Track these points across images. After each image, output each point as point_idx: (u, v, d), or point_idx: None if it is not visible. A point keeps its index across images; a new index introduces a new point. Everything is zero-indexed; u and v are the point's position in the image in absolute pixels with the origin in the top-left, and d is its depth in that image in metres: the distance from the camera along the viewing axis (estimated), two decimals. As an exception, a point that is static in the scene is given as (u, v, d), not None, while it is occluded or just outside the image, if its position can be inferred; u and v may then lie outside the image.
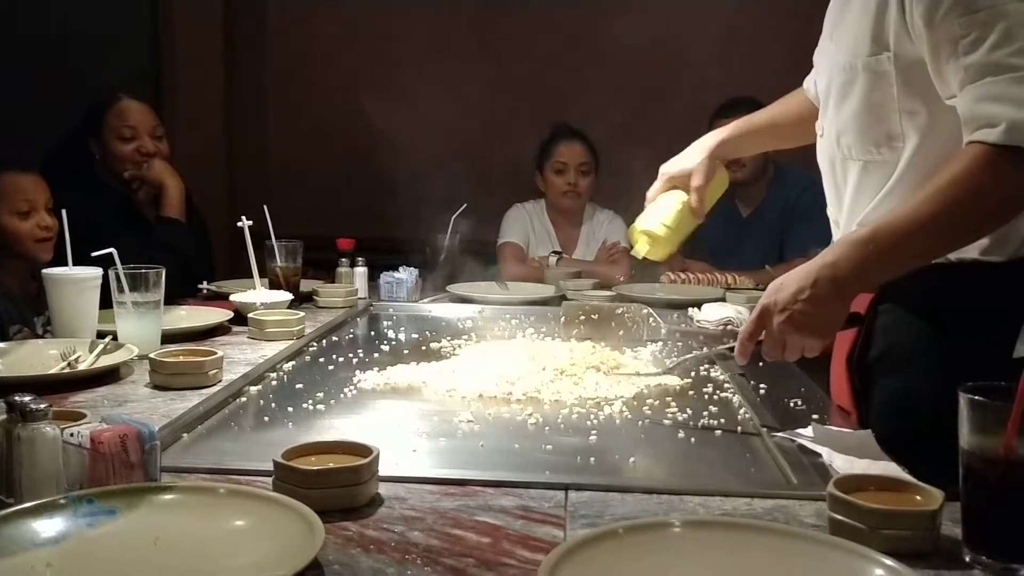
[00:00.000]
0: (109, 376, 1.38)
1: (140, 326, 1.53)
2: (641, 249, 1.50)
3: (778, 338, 1.17)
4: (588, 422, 1.24)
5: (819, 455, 1.07)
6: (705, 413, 1.28)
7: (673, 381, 1.44)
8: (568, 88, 3.50)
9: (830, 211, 1.36)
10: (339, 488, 0.87)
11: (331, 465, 0.90)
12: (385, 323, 2.03)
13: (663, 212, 1.49)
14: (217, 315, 1.81)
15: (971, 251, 1.17)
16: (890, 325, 1.25)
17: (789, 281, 1.16)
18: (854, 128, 1.23)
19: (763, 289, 2.35)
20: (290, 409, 1.28)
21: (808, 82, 1.47)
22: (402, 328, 1.92)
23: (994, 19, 1.05)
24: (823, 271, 1.13)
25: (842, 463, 1.04)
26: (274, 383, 1.43)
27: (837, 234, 1.33)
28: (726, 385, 1.44)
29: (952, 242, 1.14)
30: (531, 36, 3.59)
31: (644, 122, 3.46)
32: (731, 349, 1.26)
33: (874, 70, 1.18)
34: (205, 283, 2.23)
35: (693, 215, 1.50)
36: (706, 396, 1.38)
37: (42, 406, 0.87)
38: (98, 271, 1.57)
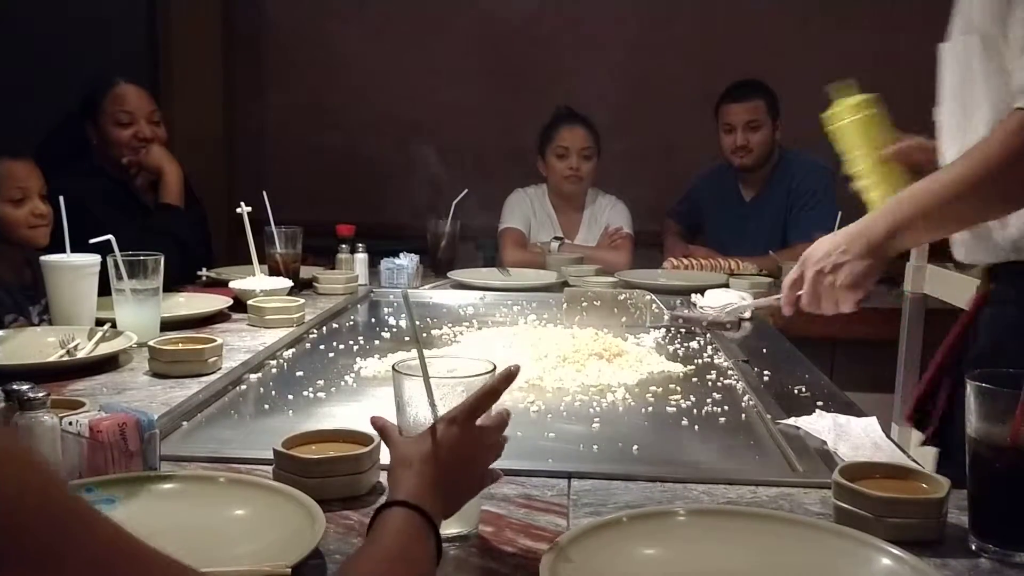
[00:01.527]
0: (108, 364, 1.37)
1: (139, 313, 1.52)
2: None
3: (814, 289, 1.23)
4: (591, 410, 1.23)
5: (824, 442, 1.06)
6: (709, 400, 1.27)
7: (676, 368, 1.43)
8: (569, 71, 3.47)
9: None
10: (340, 477, 0.87)
11: (332, 454, 0.89)
12: (385, 310, 2.02)
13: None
14: (216, 302, 1.80)
15: None
16: (994, 322, 1.24)
17: (829, 238, 1.24)
18: (950, 105, 1.22)
19: (766, 275, 2.35)
20: (290, 397, 1.27)
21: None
22: (403, 315, 1.91)
23: None
24: (859, 228, 1.21)
25: (847, 450, 1.03)
26: (274, 370, 1.42)
27: None
28: (730, 372, 1.43)
29: (983, 208, 1.15)
30: (531, 19, 3.56)
31: (645, 106, 3.44)
32: (776, 301, 1.33)
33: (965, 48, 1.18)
34: (204, 270, 2.22)
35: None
36: (710, 383, 1.37)
37: (40, 394, 0.86)
38: (96, 258, 1.56)
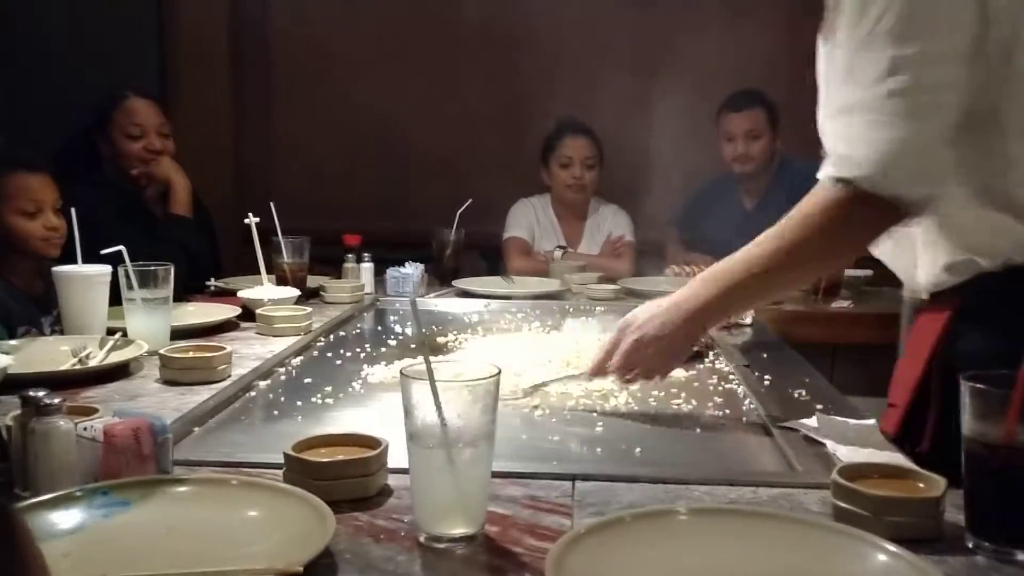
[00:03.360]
0: (120, 372, 1.39)
1: (149, 322, 1.55)
2: None
3: (627, 356, 1.23)
4: (594, 413, 1.25)
5: (823, 444, 1.08)
6: (710, 404, 1.28)
7: (678, 372, 1.45)
8: (573, 81, 3.50)
9: None
10: (349, 479, 0.89)
11: (341, 457, 0.91)
12: (391, 318, 2.04)
13: None
14: (225, 311, 1.82)
15: None
16: (970, 329, 1.20)
17: (650, 306, 1.25)
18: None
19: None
20: (299, 403, 1.29)
21: None
22: (409, 323, 1.93)
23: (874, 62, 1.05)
24: (676, 301, 1.22)
25: (846, 452, 1.05)
26: (283, 377, 1.45)
27: None
28: (731, 376, 1.45)
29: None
30: (536, 28, 3.59)
31: (648, 115, 3.46)
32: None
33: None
34: (213, 280, 2.24)
35: None
36: (711, 387, 1.39)
37: (56, 401, 0.89)
38: (107, 268, 1.58)
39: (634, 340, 1.23)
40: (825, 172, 1.10)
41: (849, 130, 1.08)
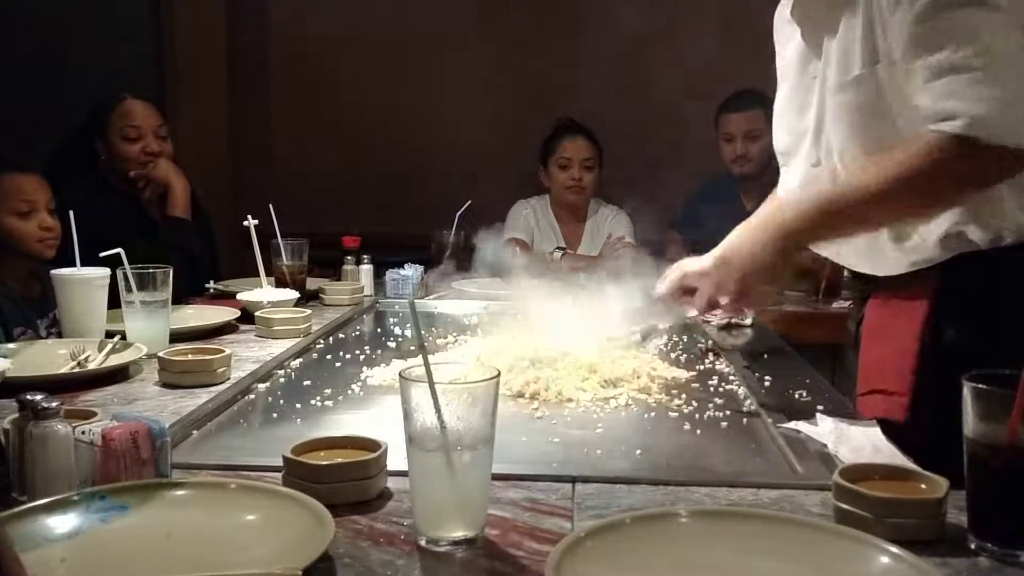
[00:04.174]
0: (118, 375, 1.39)
1: (148, 325, 1.54)
2: None
3: (735, 280, 1.32)
4: (594, 415, 1.25)
5: (824, 445, 1.07)
6: (711, 405, 1.28)
7: (678, 374, 1.45)
8: (572, 83, 3.50)
9: None
10: (348, 482, 0.88)
11: (340, 460, 0.90)
12: (391, 320, 2.04)
13: None
14: (224, 314, 1.82)
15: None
16: (958, 312, 1.26)
17: (748, 230, 1.36)
18: (854, 143, 1.27)
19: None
20: (298, 405, 1.29)
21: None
22: (408, 325, 1.93)
23: (954, 25, 1.13)
24: (778, 224, 1.28)
25: (847, 453, 1.04)
26: (282, 380, 1.44)
27: None
28: (731, 377, 1.45)
29: (894, 218, 1.25)
30: (534, 30, 3.59)
31: (647, 116, 3.46)
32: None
33: (874, 80, 1.23)
34: (212, 282, 2.24)
35: None
36: (711, 388, 1.38)
37: (53, 404, 0.88)
38: (106, 271, 1.58)
39: (742, 262, 1.30)
40: (940, 128, 1.14)
41: (955, 87, 1.13)
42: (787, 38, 1.43)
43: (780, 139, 1.47)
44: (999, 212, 1.22)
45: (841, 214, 1.23)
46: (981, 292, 1.24)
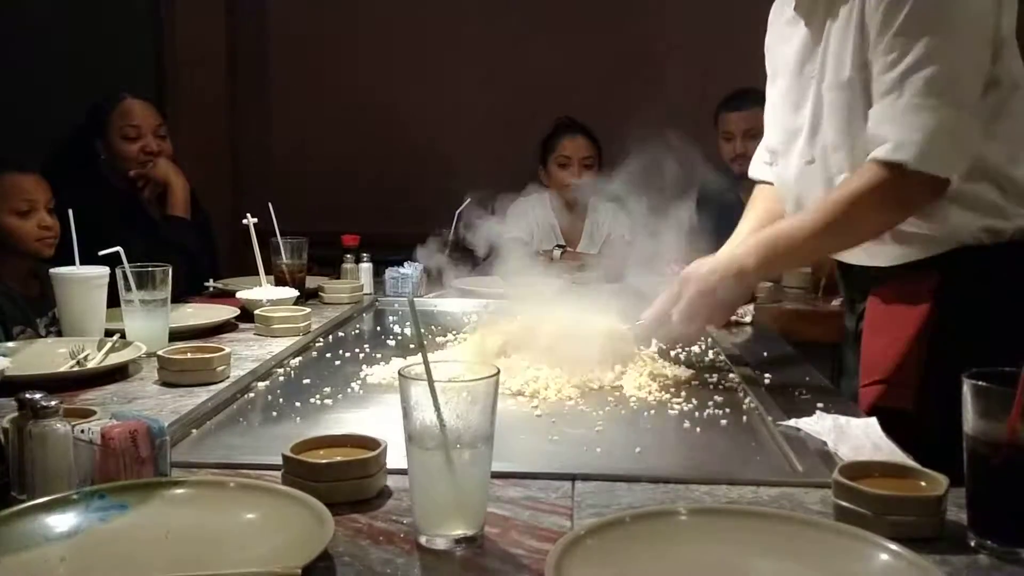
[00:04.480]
0: (118, 374, 1.39)
1: (148, 324, 1.54)
2: None
3: (690, 305, 1.39)
4: (594, 413, 1.25)
5: (824, 443, 1.07)
6: (710, 403, 1.28)
7: (678, 371, 1.45)
8: (572, 82, 3.50)
9: None
10: (348, 481, 0.88)
11: (340, 458, 0.90)
12: (390, 318, 2.04)
13: None
14: (224, 312, 1.81)
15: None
16: (958, 306, 1.28)
17: (708, 260, 1.42)
18: (847, 142, 1.29)
19: (767, 281, 2.35)
20: (298, 404, 1.29)
21: (757, 170, 1.70)
22: (407, 323, 1.93)
23: (908, 43, 1.17)
24: (734, 259, 1.38)
25: (847, 451, 1.04)
26: (281, 378, 1.44)
27: None
28: (731, 375, 1.45)
29: (839, 248, 1.39)
30: (534, 30, 3.59)
31: (645, 114, 3.46)
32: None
33: (860, 84, 1.26)
34: (211, 281, 2.24)
35: None
36: (711, 386, 1.38)
37: (53, 403, 0.88)
38: (105, 270, 1.58)
39: (697, 290, 1.38)
40: (873, 155, 1.21)
41: (893, 112, 1.19)
42: (785, 38, 1.42)
43: (772, 136, 1.47)
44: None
45: (795, 253, 1.38)
46: (982, 285, 1.25)
